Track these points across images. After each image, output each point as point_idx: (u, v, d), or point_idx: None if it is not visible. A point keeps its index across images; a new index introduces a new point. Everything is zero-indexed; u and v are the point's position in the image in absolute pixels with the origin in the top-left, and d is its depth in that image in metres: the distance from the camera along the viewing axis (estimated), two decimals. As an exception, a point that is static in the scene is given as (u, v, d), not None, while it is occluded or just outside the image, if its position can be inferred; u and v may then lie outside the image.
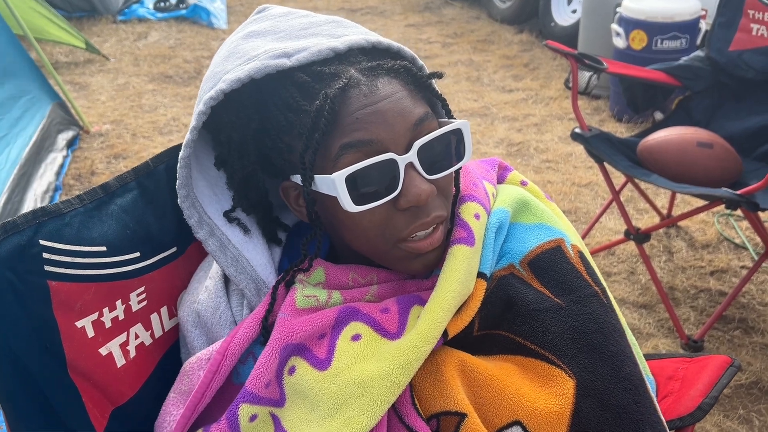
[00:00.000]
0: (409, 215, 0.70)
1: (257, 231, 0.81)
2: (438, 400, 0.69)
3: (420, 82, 0.73)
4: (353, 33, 0.74)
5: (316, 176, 0.69)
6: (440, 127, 0.72)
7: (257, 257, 0.79)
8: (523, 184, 0.90)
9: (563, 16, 4.46)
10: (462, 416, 0.68)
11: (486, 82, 4.15)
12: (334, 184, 0.67)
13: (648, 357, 0.99)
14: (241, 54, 0.73)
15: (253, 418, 0.70)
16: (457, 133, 0.73)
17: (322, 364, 0.70)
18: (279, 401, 0.71)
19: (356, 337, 0.71)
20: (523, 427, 0.69)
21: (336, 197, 0.68)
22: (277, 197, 0.82)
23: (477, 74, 4.28)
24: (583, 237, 2.46)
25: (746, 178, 2.01)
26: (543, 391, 0.71)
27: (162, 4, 5.43)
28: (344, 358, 0.70)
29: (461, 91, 4.00)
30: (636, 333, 2.07)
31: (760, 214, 1.99)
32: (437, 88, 0.77)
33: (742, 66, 2.20)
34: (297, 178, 0.73)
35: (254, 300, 0.79)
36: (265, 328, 0.74)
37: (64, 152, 3.19)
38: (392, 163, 0.68)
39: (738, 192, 1.75)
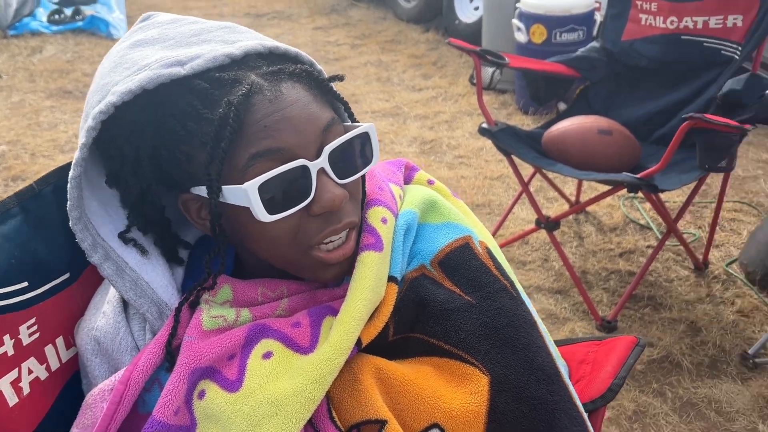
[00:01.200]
0: (322, 221, 0.69)
1: (156, 251, 0.77)
2: (357, 409, 0.68)
3: (322, 86, 0.72)
4: (248, 38, 0.72)
5: (224, 187, 0.67)
6: (345, 131, 0.71)
7: (157, 279, 0.76)
8: (430, 183, 0.90)
9: (466, 13, 4.55)
10: (382, 423, 0.67)
11: (396, 82, 4.18)
12: (246, 194, 0.65)
13: (560, 343, 1.01)
14: (130, 64, 0.69)
15: None
16: (364, 137, 0.72)
17: (232, 385, 0.68)
18: (190, 427, 0.68)
19: (267, 355, 0.69)
20: (442, 429, 0.69)
21: (246, 208, 0.66)
22: (175, 213, 0.79)
23: (387, 74, 4.30)
24: (498, 228, 2.51)
25: (645, 162, 2.10)
26: (459, 391, 0.71)
27: (56, 16, 5.20)
28: (256, 378, 0.68)
29: (372, 92, 4.02)
30: (553, 318, 2.13)
31: (662, 195, 2.09)
32: (338, 92, 0.76)
33: (635, 55, 2.30)
34: (199, 190, 0.70)
35: (157, 324, 0.75)
36: (170, 353, 0.71)
37: (-44, 178, 3.00)
38: (304, 169, 0.66)
39: (638, 176, 1.83)
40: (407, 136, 3.43)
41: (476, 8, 4.50)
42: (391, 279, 0.75)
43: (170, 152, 0.69)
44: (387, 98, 3.92)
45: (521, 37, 3.34)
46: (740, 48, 2.09)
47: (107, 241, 0.74)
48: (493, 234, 2.48)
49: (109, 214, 0.75)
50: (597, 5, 3.33)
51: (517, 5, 3.40)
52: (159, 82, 0.66)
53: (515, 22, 3.37)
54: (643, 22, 2.28)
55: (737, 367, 1.91)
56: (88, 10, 5.18)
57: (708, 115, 1.71)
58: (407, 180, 0.91)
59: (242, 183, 0.65)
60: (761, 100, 1.78)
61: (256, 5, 5.97)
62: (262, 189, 0.65)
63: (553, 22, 3.25)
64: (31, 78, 4.36)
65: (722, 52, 2.13)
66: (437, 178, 3.01)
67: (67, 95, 4.10)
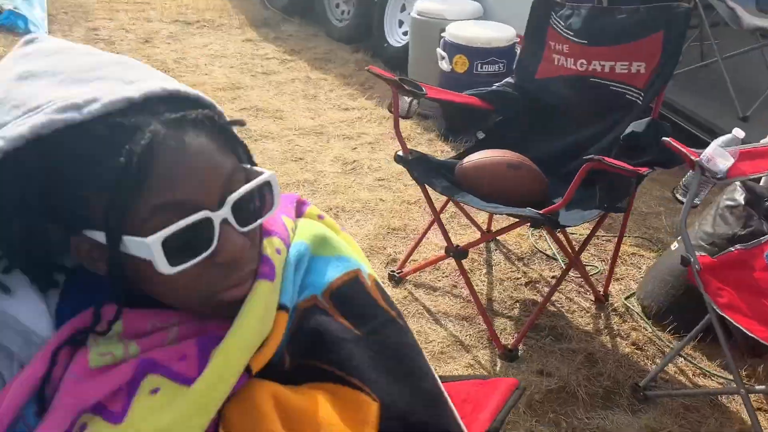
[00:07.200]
0: (225, 269, 0.70)
1: (22, 284, 0.74)
2: None
3: (225, 132, 0.72)
4: (145, 77, 0.70)
5: (124, 237, 0.65)
6: (246, 176, 0.72)
7: (23, 309, 0.73)
8: (320, 217, 0.92)
9: (395, 37, 4.61)
10: None
11: (323, 100, 4.19)
12: (148, 248, 0.64)
13: (444, 379, 1.04)
14: (19, 102, 0.66)
15: None
16: (266, 185, 0.74)
17: (116, 417, 0.67)
18: None
19: (154, 391, 0.69)
20: None
21: (146, 259, 0.65)
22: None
23: (314, 92, 4.31)
24: (411, 253, 2.54)
25: (553, 197, 2.18)
26: (351, 417, 0.73)
27: (-29, 9, 4.96)
28: (140, 410, 0.67)
29: (298, 109, 4.01)
30: (458, 345, 2.17)
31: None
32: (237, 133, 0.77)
33: (547, 93, 2.39)
34: (93, 234, 0.68)
35: (23, 353, 0.72)
36: (41, 396, 0.69)
37: None
38: (207, 221, 0.66)
39: (540, 212, 1.89)
40: (330, 155, 3.44)
41: (405, 33, 4.57)
42: (282, 307, 0.76)
43: (63, 197, 0.67)
44: (312, 116, 3.93)
45: (444, 65, 3.42)
46: (642, 94, 2.20)
47: None
48: (407, 259, 2.51)
49: None
50: (518, 39, 3.44)
51: (442, 34, 3.48)
52: (53, 128, 0.64)
53: (439, 51, 3.45)
54: (555, 63, 2.37)
55: (629, 399, 2.00)
56: (6, 5, 4.97)
57: (607, 159, 1.79)
58: (298, 214, 0.92)
59: (143, 235, 0.64)
60: (659, 145, 1.88)
61: (186, 12, 5.87)
62: (165, 242, 0.64)
63: (475, 54, 3.33)
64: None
65: (626, 96, 2.24)
66: (357, 200, 3.01)
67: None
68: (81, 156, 0.65)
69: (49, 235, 0.73)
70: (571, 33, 2.31)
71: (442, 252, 2.55)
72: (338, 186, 3.12)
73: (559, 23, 2.35)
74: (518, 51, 3.39)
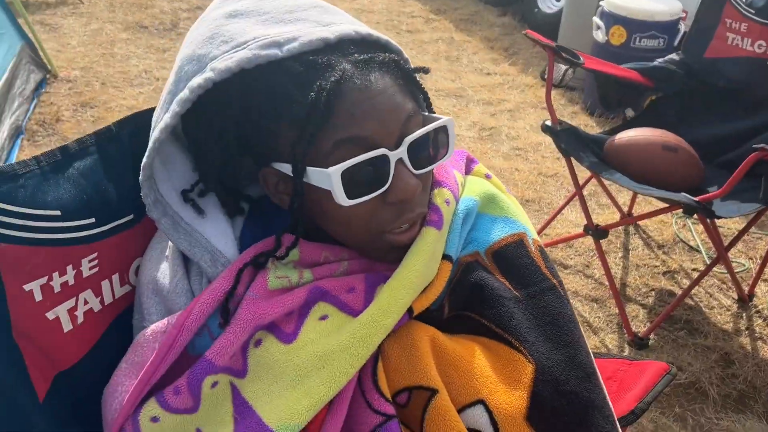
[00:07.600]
0: (395, 209, 0.73)
1: (214, 209, 0.80)
2: (412, 374, 0.72)
3: (408, 76, 0.74)
4: (341, 21, 0.74)
5: (307, 168, 0.70)
6: (423, 122, 0.74)
7: (212, 231, 0.79)
8: (487, 176, 0.92)
9: (547, 3, 4.46)
10: (433, 392, 0.71)
11: (465, 63, 4.14)
12: (329, 178, 0.68)
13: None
14: (227, 38, 0.71)
15: (214, 384, 0.71)
16: (442, 130, 0.75)
17: (288, 337, 0.72)
18: (241, 372, 0.72)
19: (323, 317, 0.74)
20: (486, 406, 0.72)
21: (326, 190, 0.69)
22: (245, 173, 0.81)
23: (456, 54, 4.27)
24: (544, 228, 2.49)
25: (707, 184, 2.05)
26: (505, 373, 0.74)
27: (142, -51, 5.27)
28: (310, 334, 0.72)
29: (440, 70, 3.99)
30: (585, 326, 2.12)
31: (717, 220, 2.04)
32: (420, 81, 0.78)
33: (715, 74, 2.24)
34: (280, 166, 0.73)
35: (210, 270, 0.78)
36: (225, 309, 0.74)
37: (30, 95, 3.11)
38: (384, 158, 0.69)
39: (696, 198, 1.79)
40: (467, 119, 3.41)
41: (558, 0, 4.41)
42: (446, 257, 0.79)
43: (258, 129, 0.72)
44: (453, 78, 3.90)
45: (599, 36, 3.27)
46: (827, 83, 2.01)
47: (165, 198, 0.77)
48: (539, 232, 2.47)
49: (168, 172, 0.78)
50: (683, 15, 3.22)
51: (600, 3, 3.32)
52: (257, 63, 0.68)
53: (596, 20, 3.30)
54: (729, 42, 2.21)
55: (765, 407, 1.88)
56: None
57: (780, 149, 1.66)
58: (466, 171, 0.93)
59: (326, 166, 0.68)
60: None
61: (337, -35, 5.95)
62: (345, 174, 0.68)
63: (635, 26, 3.16)
64: (111, 8, 4.45)
65: (807, 84, 2.05)
66: (491, 167, 2.98)
67: (143, 30, 4.19)
68: (277, 91, 0.69)
69: (241, 165, 0.78)
70: (753, 11, 2.13)
71: (577, 229, 2.48)
72: (474, 151, 3.09)
73: (740, -1, 2.18)
74: (681, 27, 3.19)
